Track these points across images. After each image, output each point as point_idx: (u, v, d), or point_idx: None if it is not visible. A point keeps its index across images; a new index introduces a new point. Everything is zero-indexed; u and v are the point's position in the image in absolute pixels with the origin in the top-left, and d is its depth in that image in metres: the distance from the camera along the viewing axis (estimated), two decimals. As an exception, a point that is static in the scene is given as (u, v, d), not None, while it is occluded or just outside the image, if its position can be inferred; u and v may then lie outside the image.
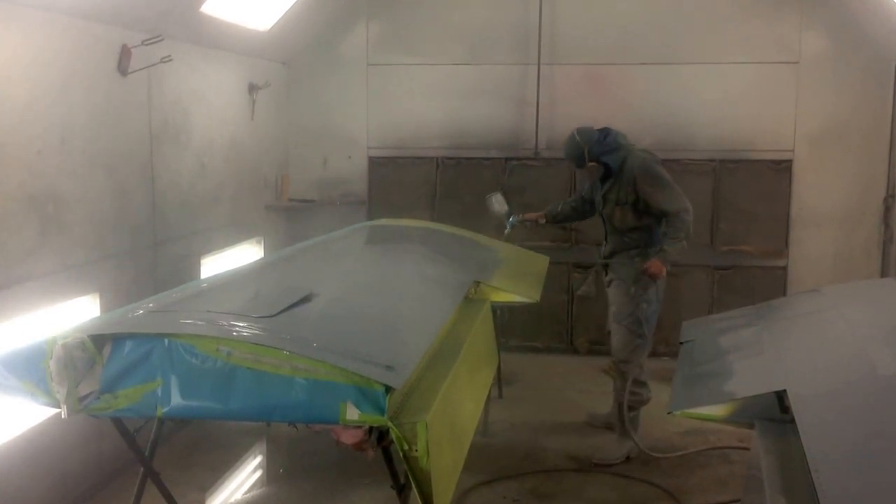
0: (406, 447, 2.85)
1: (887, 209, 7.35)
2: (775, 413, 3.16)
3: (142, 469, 3.81)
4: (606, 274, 5.60)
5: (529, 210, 6.24)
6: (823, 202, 7.55)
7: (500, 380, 6.27)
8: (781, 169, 7.53)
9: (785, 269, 7.62)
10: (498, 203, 6.19)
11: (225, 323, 3.14)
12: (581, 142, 5.37)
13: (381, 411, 2.82)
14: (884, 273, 7.33)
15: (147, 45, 5.10)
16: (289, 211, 7.87)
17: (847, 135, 7.42)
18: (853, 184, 7.48)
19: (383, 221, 6.59)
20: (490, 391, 5.00)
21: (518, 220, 6.10)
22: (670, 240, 5.20)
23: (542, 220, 6.07)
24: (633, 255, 5.39)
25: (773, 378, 3.23)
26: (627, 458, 5.33)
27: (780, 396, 3.10)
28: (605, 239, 5.61)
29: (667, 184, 5.27)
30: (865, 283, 5.96)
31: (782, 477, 2.72)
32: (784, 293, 7.35)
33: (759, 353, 3.61)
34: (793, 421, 2.77)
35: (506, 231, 6.16)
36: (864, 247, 7.51)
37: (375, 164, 7.99)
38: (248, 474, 5.37)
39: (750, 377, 3.37)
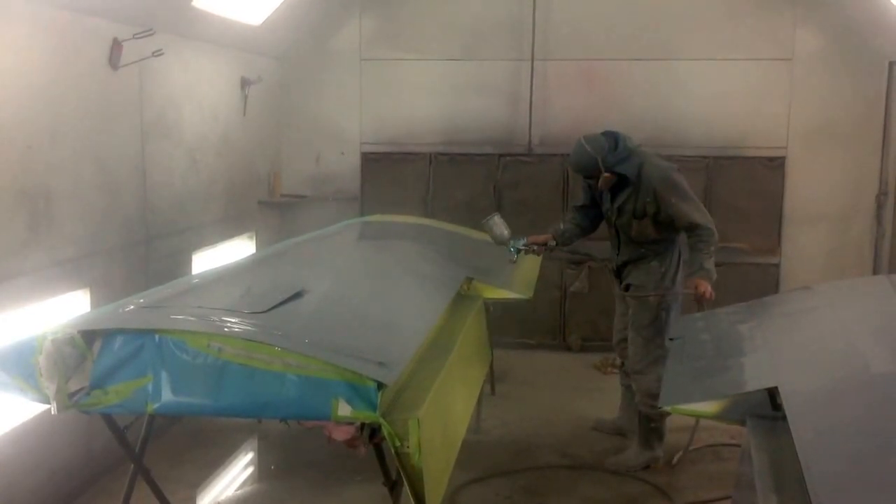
0: (398, 444, 2.86)
1: (880, 207, 7.37)
2: (767, 410, 3.16)
3: (132, 466, 3.79)
4: (621, 281, 5.33)
5: (519, 213, 5.82)
6: (816, 199, 7.57)
7: (492, 376, 6.26)
8: (774, 166, 7.54)
9: (777, 266, 7.64)
10: (497, 225, 5.27)
11: (216, 319, 3.13)
12: (593, 152, 4.98)
13: (373, 408, 2.82)
14: (876, 270, 7.35)
15: (138, 38, 5.06)
16: (281, 206, 7.85)
17: (840, 132, 7.44)
18: (846, 181, 7.50)
19: (376, 217, 6.58)
20: (482, 388, 4.99)
21: (523, 246, 5.30)
22: (705, 255, 4.90)
23: (553, 243, 5.38)
24: (649, 262, 5.16)
25: (765, 375, 3.23)
26: (647, 467, 5.19)
27: (772, 393, 3.11)
28: (618, 249, 5.29)
29: (690, 195, 5.02)
30: (858, 280, 5.97)
31: (773, 474, 2.72)
32: (776, 290, 7.36)
33: (751, 350, 3.61)
34: (784, 418, 2.77)
35: (512, 259, 5.32)
36: (857, 244, 7.53)
37: (368, 159, 7.97)
38: (239, 471, 5.35)
39: (742, 374, 3.37)
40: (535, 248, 5.37)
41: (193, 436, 5.61)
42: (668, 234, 5.12)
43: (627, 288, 5.29)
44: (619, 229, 5.24)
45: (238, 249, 7.00)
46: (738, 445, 4.96)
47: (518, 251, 5.31)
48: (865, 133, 7.37)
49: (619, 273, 5.36)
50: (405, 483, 2.91)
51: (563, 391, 6.68)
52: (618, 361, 5.89)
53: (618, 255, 5.33)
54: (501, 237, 5.28)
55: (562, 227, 5.47)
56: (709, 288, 4.88)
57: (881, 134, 7.30)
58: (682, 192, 5.01)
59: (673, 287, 5.16)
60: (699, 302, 4.93)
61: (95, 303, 4.80)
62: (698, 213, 4.97)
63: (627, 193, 5.07)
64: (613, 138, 5.08)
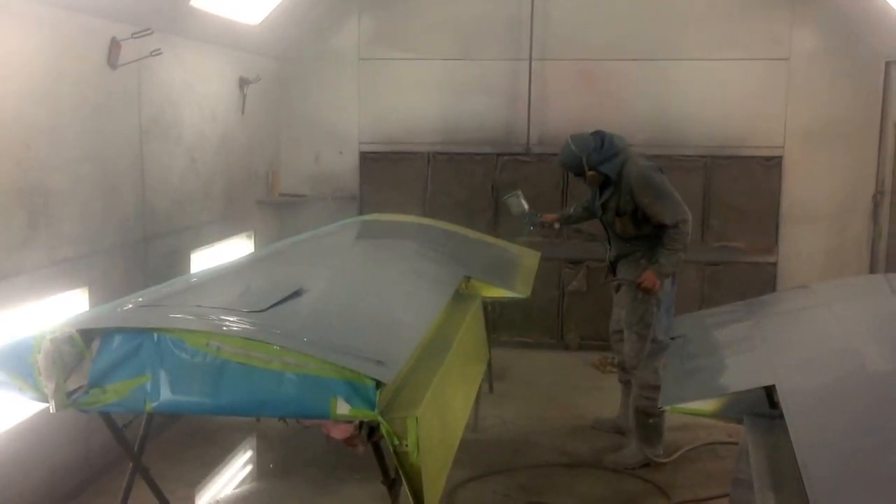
0: (396, 442, 2.86)
1: (876, 206, 7.39)
2: (764, 408, 3.18)
3: (131, 464, 3.80)
4: (615, 276, 5.43)
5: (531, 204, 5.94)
6: (813, 199, 7.59)
7: (490, 375, 6.28)
8: (772, 165, 7.55)
9: (775, 265, 7.65)
10: (518, 202, 5.85)
11: (215, 317, 3.13)
12: (578, 151, 5.17)
13: (372, 406, 2.82)
14: (872, 269, 7.37)
15: (137, 38, 5.07)
16: (280, 206, 7.85)
17: (837, 131, 7.45)
18: (843, 180, 7.52)
19: (374, 216, 6.58)
20: (480, 386, 5.00)
21: (537, 221, 5.84)
22: (667, 251, 5.04)
23: (557, 225, 5.87)
24: (638, 258, 5.25)
25: (763, 373, 3.25)
26: (646, 465, 5.22)
27: (770, 392, 3.12)
28: (609, 243, 5.47)
29: (665, 194, 5.10)
30: (854, 279, 5.99)
31: (771, 471, 2.74)
32: (774, 289, 7.38)
33: (749, 349, 3.63)
34: (782, 416, 2.79)
35: (526, 230, 5.94)
36: (854, 243, 7.55)
37: (367, 159, 7.98)
38: (238, 469, 5.36)
39: (739, 372, 3.39)
40: (545, 224, 5.86)
41: (192, 434, 5.62)
42: (649, 230, 5.19)
43: (619, 287, 5.38)
44: (606, 225, 5.40)
45: (236, 248, 7.01)
46: (736, 443, 4.98)
47: (533, 226, 5.89)
48: (862, 132, 7.38)
49: (613, 268, 5.47)
50: (403, 481, 2.92)
51: (562, 389, 6.69)
52: (616, 360, 5.91)
53: (610, 249, 5.48)
54: (520, 212, 5.85)
55: (571, 210, 5.84)
56: (651, 277, 5.05)
57: (877, 133, 7.32)
58: (656, 192, 5.10)
59: (662, 285, 5.17)
60: (641, 289, 5.09)
61: (94, 302, 4.80)
62: (669, 213, 5.05)
63: (610, 191, 5.22)
64: (601, 138, 5.21)
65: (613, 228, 5.33)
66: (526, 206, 5.82)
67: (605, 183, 5.25)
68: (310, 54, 7.89)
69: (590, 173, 5.20)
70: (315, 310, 3.46)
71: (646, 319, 5.19)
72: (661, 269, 5.07)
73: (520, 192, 5.88)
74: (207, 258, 6.33)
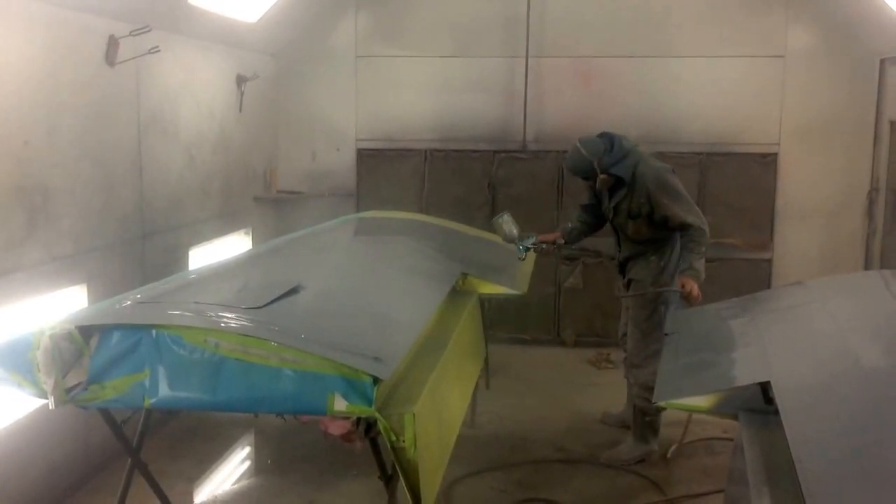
0: (393, 438, 2.88)
1: (871, 203, 7.41)
2: (759, 404, 3.19)
3: (129, 460, 3.81)
4: (624, 276, 5.38)
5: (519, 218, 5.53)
6: (808, 196, 7.61)
7: (487, 371, 6.29)
8: (767, 162, 7.58)
9: (770, 261, 7.68)
10: (506, 224, 5.36)
11: (213, 314, 3.15)
12: (589, 155, 5.05)
13: (369, 402, 2.84)
14: (867, 266, 7.39)
15: (135, 35, 5.07)
16: (277, 203, 7.86)
17: (832, 129, 7.48)
18: (838, 177, 7.54)
19: (371, 213, 6.60)
20: (477, 383, 5.02)
21: (532, 244, 5.39)
22: (695, 255, 4.94)
23: (561, 241, 5.51)
24: (649, 258, 5.21)
25: (758, 369, 3.26)
26: (641, 461, 5.22)
27: (765, 388, 3.13)
28: (618, 245, 5.39)
29: (683, 195, 5.06)
30: (849, 276, 6.01)
31: (766, 467, 2.75)
32: (769, 286, 7.40)
33: (744, 345, 3.64)
34: (777, 412, 2.80)
35: (520, 257, 5.41)
36: (849, 240, 7.57)
37: (364, 156, 7.99)
38: (236, 465, 5.37)
39: (734, 368, 3.40)
40: (544, 246, 5.46)
41: (191, 430, 5.64)
42: (663, 233, 5.15)
43: (629, 283, 5.34)
44: (617, 228, 5.32)
45: (234, 245, 7.02)
46: (731, 439, 5.00)
47: (527, 249, 5.40)
48: (857, 130, 7.41)
49: (622, 269, 5.42)
50: (401, 477, 2.94)
51: (558, 386, 6.71)
52: (613, 357, 5.91)
53: (619, 251, 5.41)
54: (511, 236, 5.37)
55: (570, 225, 5.58)
56: (696, 287, 4.91)
57: (872, 130, 7.34)
58: (674, 193, 5.04)
59: (672, 282, 5.18)
60: (686, 300, 4.96)
61: (93, 298, 4.82)
62: (690, 214, 5.00)
63: (623, 194, 5.13)
64: (609, 140, 5.12)
65: (625, 231, 5.24)
66: (515, 229, 5.37)
67: (614, 185, 5.15)
68: (307, 52, 7.90)
69: (602, 177, 5.08)
70: (312, 306, 3.48)
71: (655, 319, 5.15)
72: (698, 275, 4.95)
73: (508, 214, 5.41)
74: (205, 255, 6.34)
